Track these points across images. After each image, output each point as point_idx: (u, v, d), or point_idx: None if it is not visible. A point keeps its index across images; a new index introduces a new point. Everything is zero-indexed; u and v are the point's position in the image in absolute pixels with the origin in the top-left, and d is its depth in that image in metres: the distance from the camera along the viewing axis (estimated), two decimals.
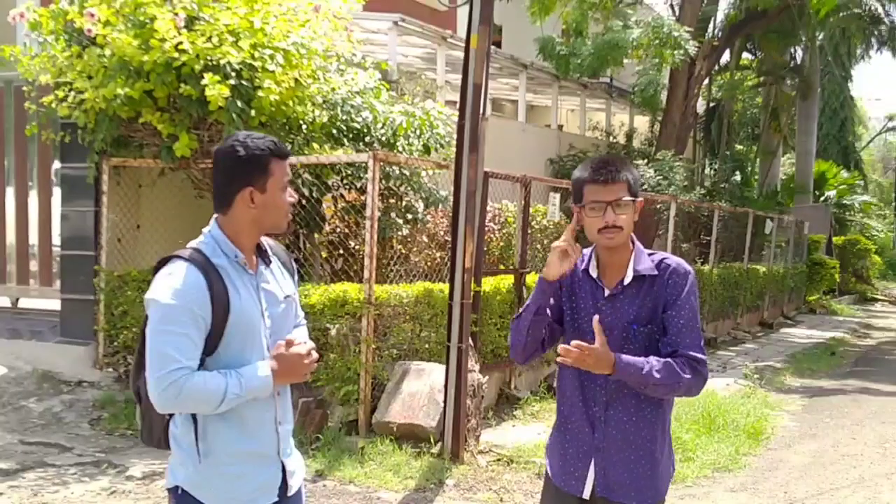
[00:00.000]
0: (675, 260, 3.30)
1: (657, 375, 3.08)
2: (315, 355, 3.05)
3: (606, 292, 3.27)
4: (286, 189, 2.97)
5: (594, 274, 3.31)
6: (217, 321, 2.82)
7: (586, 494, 3.27)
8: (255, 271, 3.01)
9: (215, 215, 3.00)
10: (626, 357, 3.09)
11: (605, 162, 3.22)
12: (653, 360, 3.11)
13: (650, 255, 3.31)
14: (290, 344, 2.95)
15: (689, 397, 3.26)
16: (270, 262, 3.08)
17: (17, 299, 10.69)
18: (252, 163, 2.88)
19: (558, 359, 3.10)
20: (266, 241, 3.11)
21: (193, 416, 2.89)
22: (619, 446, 3.23)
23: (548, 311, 3.34)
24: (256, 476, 2.98)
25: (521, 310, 3.40)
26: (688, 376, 3.11)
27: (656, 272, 3.24)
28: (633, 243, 3.30)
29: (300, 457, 3.22)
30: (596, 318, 3.15)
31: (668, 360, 3.12)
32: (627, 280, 3.24)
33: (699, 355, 3.15)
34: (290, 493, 3.10)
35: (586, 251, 3.39)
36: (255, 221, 2.95)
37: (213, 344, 2.85)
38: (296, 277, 3.27)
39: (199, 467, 2.90)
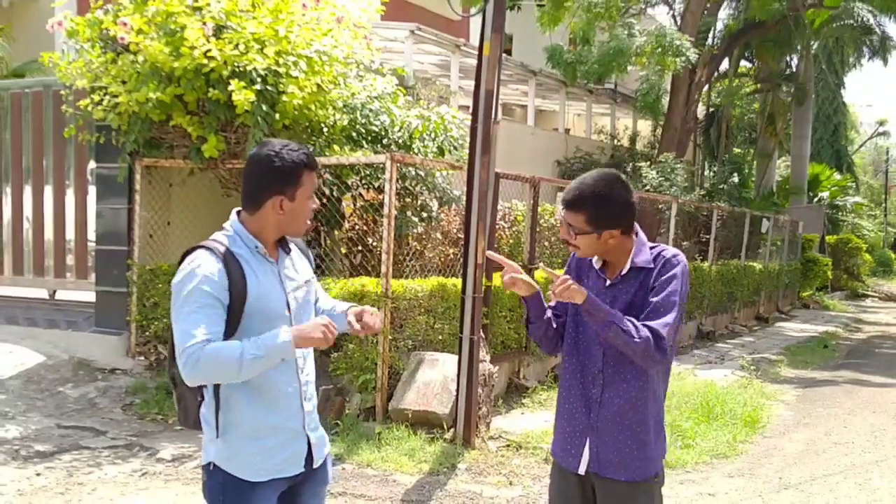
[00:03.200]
0: (671, 251, 3.32)
1: (619, 324, 3.09)
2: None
3: (608, 282, 3.32)
4: (312, 197, 3.04)
5: (597, 266, 3.38)
6: (236, 303, 2.89)
7: (582, 470, 3.31)
8: (277, 260, 3.07)
9: (237, 210, 3.07)
10: (596, 298, 3.17)
11: (572, 187, 3.27)
12: (618, 312, 3.16)
13: (651, 247, 3.34)
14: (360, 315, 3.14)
15: (643, 366, 3.16)
16: (290, 250, 3.15)
17: (55, 291, 10.72)
18: (285, 173, 2.93)
19: (552, 296, 3.16)
20: (295, 242, 3.23)
21: (216, 394, 2.97)
22: (611, 427, 3.26)
23: (549, 313, 3.45)
24: (283, 449, 3.03)
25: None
26: (644, 336, 3.09)
27: (652, 264, 3.27)
28: (636, 235, 3.34)
29: (324, 432, 3.26)
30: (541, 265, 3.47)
31: (633, 319, 3.15)
32: (625, 271, 3.29)
33: (660, 330, 3.12)
34: (316, 464, 3.16)
35: None
36: (279, 225, 3.02)
37: (234, 324, 2.90)
38: (312, 262, 3.33)
39: (226, 441, 2.98)
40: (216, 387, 2.98)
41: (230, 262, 2.91)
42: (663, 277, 3.24)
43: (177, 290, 2.88)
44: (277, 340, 2.79)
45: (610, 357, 3.27)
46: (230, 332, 2.89)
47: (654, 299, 3.20)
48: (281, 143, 3.00)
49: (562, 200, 3.27)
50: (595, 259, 3.39)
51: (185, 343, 2.76)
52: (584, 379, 3.33)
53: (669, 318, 3.17)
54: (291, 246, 3.18)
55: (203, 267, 2.88)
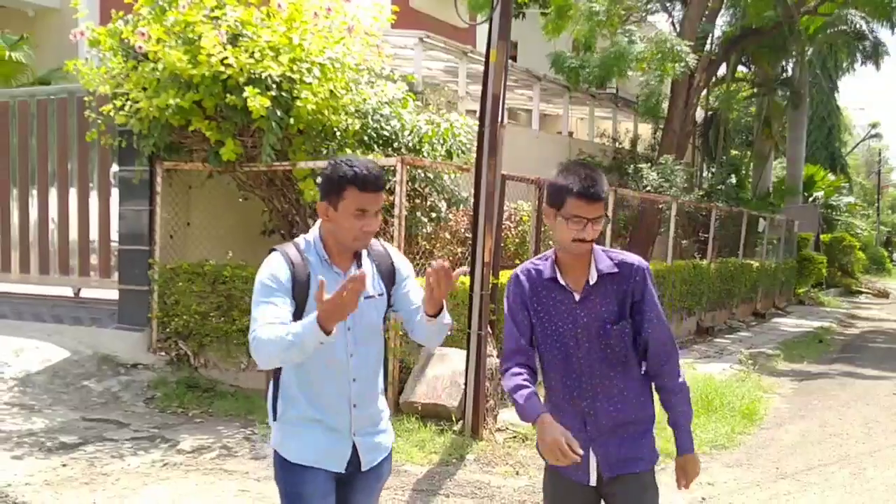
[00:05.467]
0: (632, 257, 3.19)
1: (689, 409, 3.27)
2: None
3: (577, 296, 3.13)
4: (360, 216, 2.99)
5: (562, 281, 3.15)
6: (299, 298, 2.98)
7: (593, 482, 3.18)
8: (346, 272, 3.06)
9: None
10: (683, 439, 3.27)
11: (591, 178, 3.03)
12: (676, 407, 3.24)
13: (605, 252, 3.18)
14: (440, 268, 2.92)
15: None
16: (360, 265, 3.12)
17: (79, 290, 10.74)
18: (332, 183, 2.97)
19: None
20: (372, 247, 3.21)
21: (276, 382, 3.11)
22: (612, 432, 3.16)
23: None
24: (320, 443, 3.08)
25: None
26: (682, 375, 3.23)
27: (616, 270, 3.13)
28: None
29: (385, 439, 3.28)
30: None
31: (673, 383, 3.22)
32: (592, 280, 3.12)
33: (674, 348, 3.21)
34: (365, 468, 3.17)
35: (541, 260, 3.25)
36: (331, 233, 3.06)
37: (300, 314, 2.98)
38: (399, 282, 3.26)
39: (279, 425, 3.12)
40: (276, 375, 3.09)
41: (297, 263, 3.01)
42: (644, 288, 3.15)
43: (254, 286, 3.03)
44: (306, 321, 2.77)
45: (594, 366, 3.15)
46: (300, 314, 2.99)
47: (651, 314, 3.14)
48: (348, 157, 3.04)
49: (585, 197, 2.99)
50: (547, 270, 3.19)
51: (251, 329, 2.89)
52: (570, 391, 3.18)
53: (667, 325, 3.20)
54: (367, 262, 3.16)
55: (270, 266, 3.01)
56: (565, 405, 3.19)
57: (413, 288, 3.25)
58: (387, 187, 8.82)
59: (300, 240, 3.12)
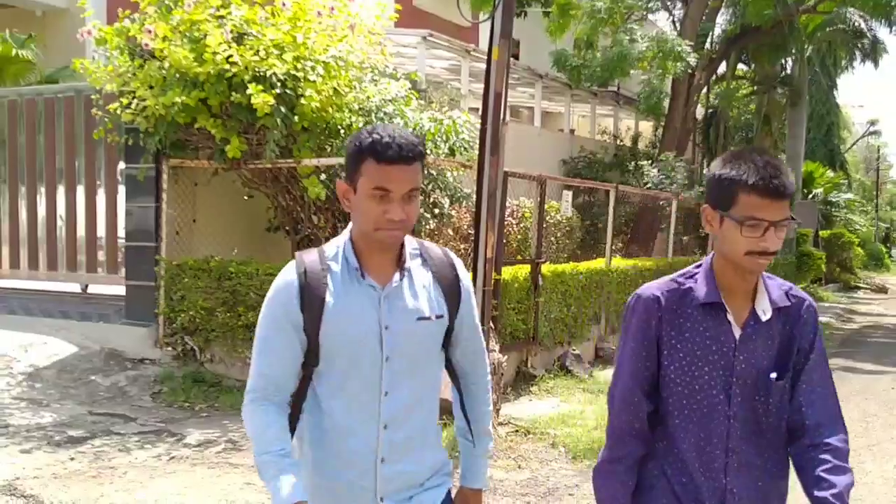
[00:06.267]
0: (799, 290, 2.42)
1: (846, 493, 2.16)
2: None
3: (738, 332, 2.29)
4: (381, 198, 2.25)
5: (728, 309, 2.30)
6: (311, 328, 2.30)
7: None
8: (383, 284, 2.35)
9: None
10: None
11: (775, 167, 2.18)
12: (828, 487, 2.14)
13: (770, 278, 2.39)
14: None
15: None
16: (405, 275, 2.37)
17: (87, 285, 10.75)
18: (350, 158, 2.32)
19: None
20: (428, 251, 2.47)
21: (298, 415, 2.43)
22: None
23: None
24: (336, 495, 2.38)
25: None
26: (849, 471, 2.22)
27: (789, 303, 2.35)
28: None
29: (431, 497, 2.48)
30: None
31: (832, 466, 2.19)
32: (766, 315, 2.30)
33: (844, 437, 2.29)
34: None
35: (686, 278, 2.37)
36: (358, 227, 2.36)
37: (314, 355, 2.33)
38: (464, 298, 2.49)
39: (300, 462, 2.39)
40: (297, 407, 2.40)
41: (314, 272, 2.32)
42: (814, 337, 2.36)
43: None
44: (280, 493, 2.19)
45: (746, 429, 2.32)
46: (313, 362, 2.34)
47: (820, 377, 2.34)
48: (380, 125, 2.35)
49: (769, 194, 2.16)
50: (702, 290, 2.30)
51: (250, 382, 2.38)
52: (708, 465, 2.31)
53: (837, 401, 2.36)
54: (420, 271, 2.42)
55: (277, 282, 2.38)
56: (700, 479, 2.31)
57: (470, 313, 2.53)
58: None
59: (329, 244, 2.43)
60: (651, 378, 2.33)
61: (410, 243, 2.42)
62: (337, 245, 2.40)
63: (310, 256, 2.36)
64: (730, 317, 2.29)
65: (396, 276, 2.35)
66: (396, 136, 2.24)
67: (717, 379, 2.28)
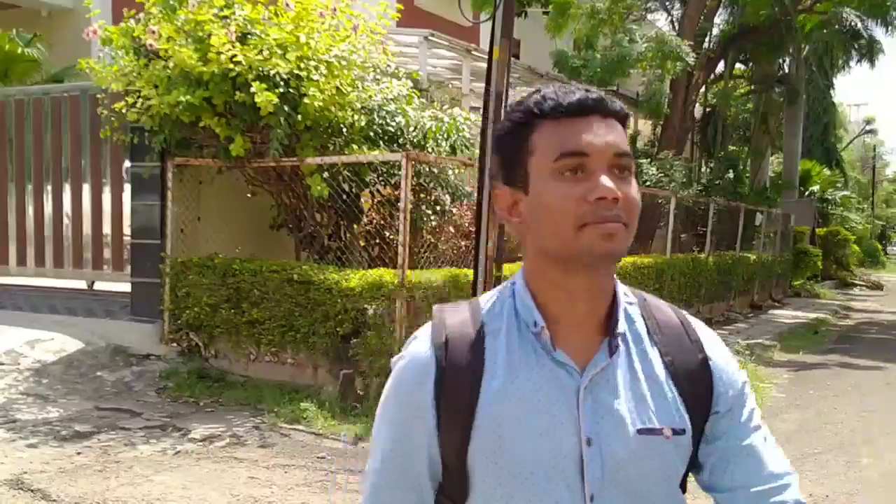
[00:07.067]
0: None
1: None
2: None
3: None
4: (574, 176, 1.34)
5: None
6: (453, 441, 1.36)
7: None
8: (583, 366, 1.37)
9: None
10: None
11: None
12: None
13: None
14: None
15: None
16: (616, 349, 1.39)
17: (93, 282, 10.75)
18: (508, 140, 1.45)
19: None
20: (650, 308, 1.49)
21: None
22: None
23: None
24: None
25: None
26: None
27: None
28: None
29: None
30: None
31: None
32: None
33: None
34: None
35: None
36: (532, 248, 1.45)
37: (459, 487, 1.38)
38: (722, 398, 1.43)
39: None
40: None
41: (459, 353, 1.40)
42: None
43: None
44: None
45: None
46: (453, 494, 1.40)
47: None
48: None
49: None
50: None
51: None
52: None
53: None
54: (639, 342, 1.43)
55: (402, 365, 1.46)
56: None
57: (748, 412, 1.46)
58: (392, 182, 8.83)
59: (491, 293, 1.53)
60: None
61: (621, 289, 1.47)
62: (498, 293, 1.50)
63: (456, 318, 1.47)
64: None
65: (604, 348, 1.39)
66: (577, 90, 1.39)
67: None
